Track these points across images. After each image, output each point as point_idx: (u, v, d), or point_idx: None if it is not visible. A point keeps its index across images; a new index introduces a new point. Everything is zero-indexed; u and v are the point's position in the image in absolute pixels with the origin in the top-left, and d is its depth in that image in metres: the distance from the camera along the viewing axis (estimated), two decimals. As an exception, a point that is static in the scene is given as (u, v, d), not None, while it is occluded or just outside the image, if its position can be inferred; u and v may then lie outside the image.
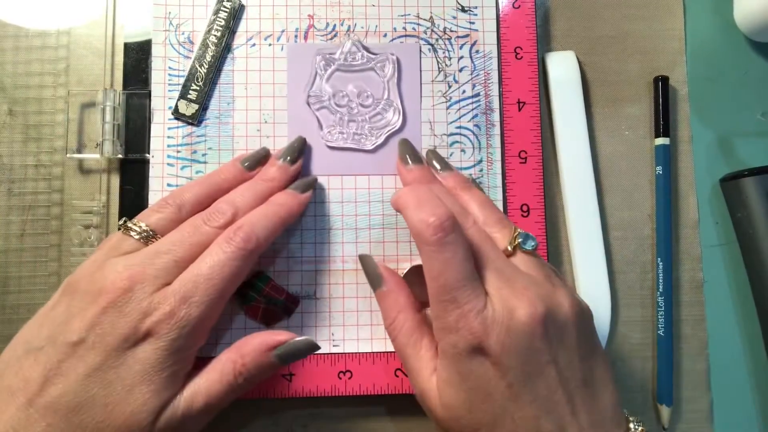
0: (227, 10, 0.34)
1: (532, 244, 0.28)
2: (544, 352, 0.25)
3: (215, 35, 0.33)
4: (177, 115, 0.33)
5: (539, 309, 0.25)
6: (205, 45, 0.33)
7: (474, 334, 0.25)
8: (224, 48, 0.34)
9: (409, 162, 0.32)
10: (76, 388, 0.24)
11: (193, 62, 0.33)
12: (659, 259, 0.34)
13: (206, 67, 0.33)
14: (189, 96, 0.33)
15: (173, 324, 0.25)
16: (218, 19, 0.34)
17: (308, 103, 0.34)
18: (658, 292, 0.34)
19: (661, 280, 0.34)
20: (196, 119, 0.33)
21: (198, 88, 0.33)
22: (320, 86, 0.34)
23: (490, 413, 0.25)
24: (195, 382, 0.27)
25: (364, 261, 0.31)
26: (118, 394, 0.24)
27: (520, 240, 0.28)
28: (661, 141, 0.35)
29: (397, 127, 0.34)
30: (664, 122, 0.35)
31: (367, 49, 0.34)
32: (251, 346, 0.27)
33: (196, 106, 0.33)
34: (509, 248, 0.28)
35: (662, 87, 0.36)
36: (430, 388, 0.27)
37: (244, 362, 0.27)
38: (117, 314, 0.25)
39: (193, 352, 0.27)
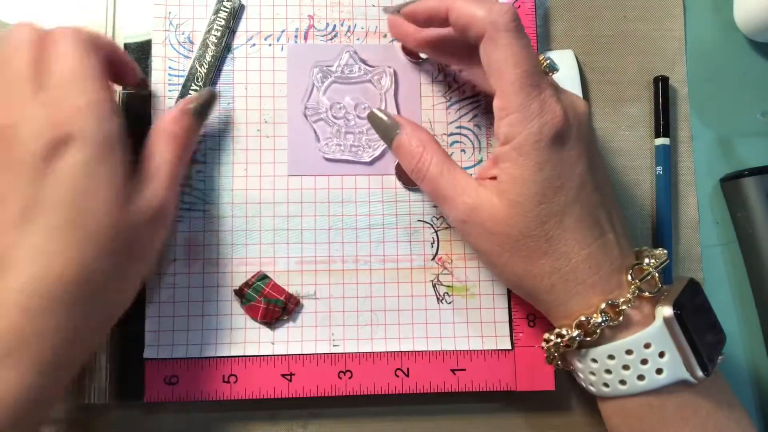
0: (227, 10, 0.34)
1: (557, 68, 0.30)
2: (596, 142, 0.29)
3: (215, 35, 0.33)
4: (177, 115, 0.33)
5: (587, 105, 0.28)
6: (205, 45, 0.33)
7: (557, 117, 0.26)
8: (224, 48, 0.34)
9: None
10: (35, 228, 0.23)
11: (193, 62, 0.33)
12: (659, 259, 0.35)
13: (206, 67, 0.33)
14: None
15: (82, 116, 0.24)
16: (218, 19, 0.34)
17: (305, 115, 0.34)
18: (658, 292, 0.35)
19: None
20: (196, 119, 0.33)
21: (198, 88, 0.33)
22: (317, 98, 0.34)
23: (561, 203, 0.27)
24: (150, 176, 0.27)
25: (373, 115, 0.31)
26: (82, 206, 0.24)
27: (547, 62, 0.29)
28: (661, 141, 0.35)
29: (397, 128, 0.34)
30: (664, 122, 0.35)
31: (364, 61, 0.34)
32: (172, 119, 0.29)
33: None
34: None
35: (662, 87, 0.36)
36: (483, 198, 0.28)
37: (176, 136, 0.29)
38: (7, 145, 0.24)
39: (120, 138, 0.26)
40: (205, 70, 0.33)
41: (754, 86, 0.37)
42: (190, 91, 0.33)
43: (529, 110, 0.26)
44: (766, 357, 0.35)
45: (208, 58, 0.33)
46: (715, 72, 0.37)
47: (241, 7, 0.34)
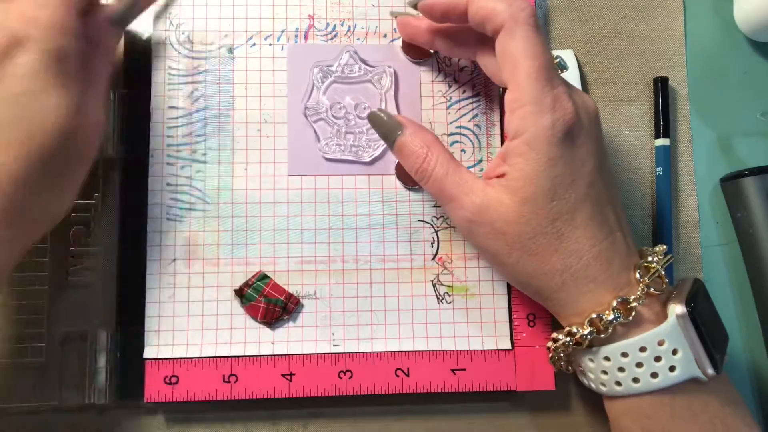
0: None
1: (567, 66, 0.30)
2: (604, 141, 0.29)
3: None
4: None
5: (596, 104, 0.29)
6: None
7: (569, 114, 0.26)
8: None
9: None
10: None
11: None
12: (659, 259, 0.35)
13: None
14: None
15: (40, 27, 0.25)
16: None
17: (305, 115, 0.34)
18: (658, 292, 0.35)
19: (661, 280, 0.34)
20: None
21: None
22: (317, 98, 0.34)
23: (572, 200, 0.27)
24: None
25: (374, 115, 0.31)
26: (27, 105, 0.24)
27: (557, 60, 0.30)
28: (661, 142, 0.35)
29: (397, 127, 0.34)
30: (664, 123, 0.35)
31: (364, 61, 0.34)
32: (103, 31, 0.30)
33: None
34: None
35: (662, 88, 0.36)
36: (490, 198, 0.28)
37: (109, 50, 0.30)
38: None
39: (75, 59, 0.26)
40: None
41: (754, 86, 0.37)
42: None
43: (543, 104, 0.26)
44: (766, 357, 0.35)
45: None
46: (715, 72, 0.37)
47: None
